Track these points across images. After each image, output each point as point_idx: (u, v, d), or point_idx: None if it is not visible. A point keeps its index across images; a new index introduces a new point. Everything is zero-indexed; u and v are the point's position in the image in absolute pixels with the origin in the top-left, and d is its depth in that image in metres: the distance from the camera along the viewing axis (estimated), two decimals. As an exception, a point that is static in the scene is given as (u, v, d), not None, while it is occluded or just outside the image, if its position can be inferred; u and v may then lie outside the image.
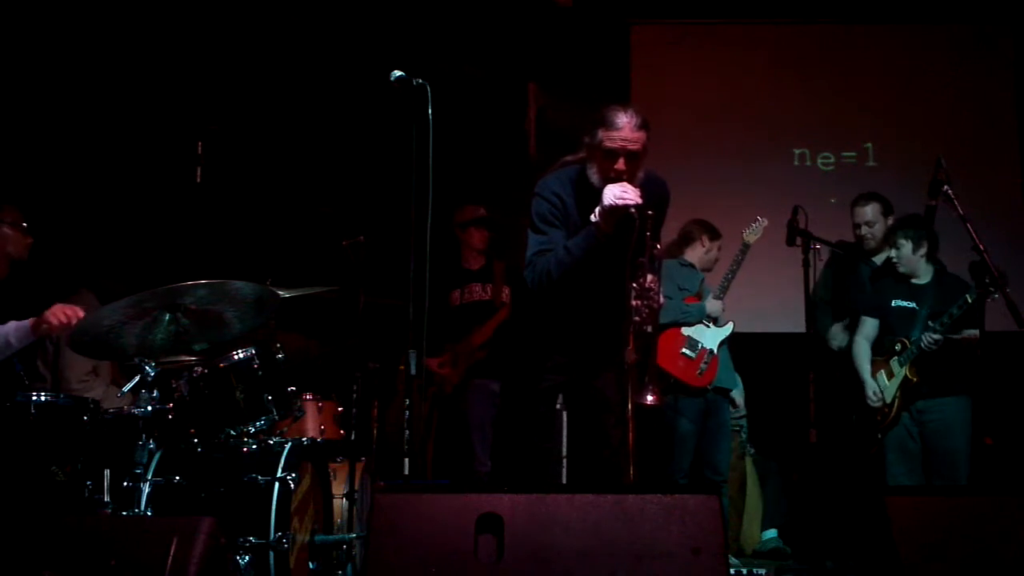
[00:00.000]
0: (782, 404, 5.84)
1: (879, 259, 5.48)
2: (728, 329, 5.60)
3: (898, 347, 5.13)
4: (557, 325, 3.94)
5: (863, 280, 5.47)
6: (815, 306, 5.44)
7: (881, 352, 5.21)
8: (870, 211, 5.49)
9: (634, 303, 3.63)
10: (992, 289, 4.53)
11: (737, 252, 5.62)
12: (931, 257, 5.21)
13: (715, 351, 5.55)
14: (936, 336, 4.96)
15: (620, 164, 3.72)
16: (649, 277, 3.66)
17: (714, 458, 5.57)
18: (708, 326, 5.56)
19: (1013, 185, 6.96)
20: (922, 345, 5.00)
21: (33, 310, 4.51)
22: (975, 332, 4.98)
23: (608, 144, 3.72)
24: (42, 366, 5.05)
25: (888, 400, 5.11)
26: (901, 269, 5.22)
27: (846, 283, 5.54)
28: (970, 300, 4.82)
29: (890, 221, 5.46)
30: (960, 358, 5.02)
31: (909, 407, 5.11)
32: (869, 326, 5.28)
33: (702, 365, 5.50)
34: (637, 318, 3.62)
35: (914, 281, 5.21)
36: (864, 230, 5.48)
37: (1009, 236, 6.59)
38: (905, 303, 5.17)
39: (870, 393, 5.16)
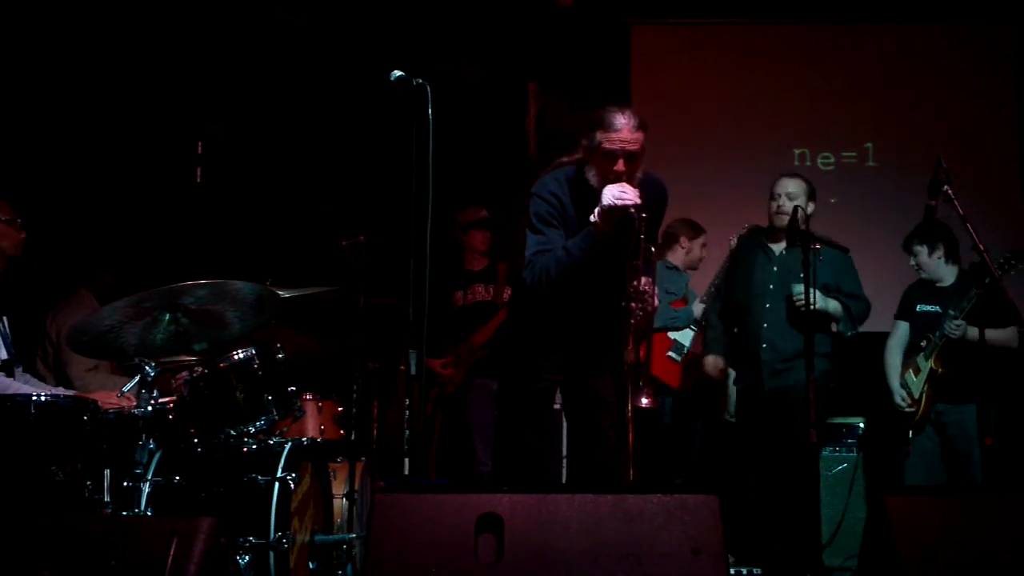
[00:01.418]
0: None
1: (778, 247, 5.15)
2: None
3: (923, 343, 5.18)
4: (554, 325, 3.94)
5: (755, 268, 5.13)
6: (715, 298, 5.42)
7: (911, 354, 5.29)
8: (792, 184, 4.98)
9: (632, 306, 3.64)
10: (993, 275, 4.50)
11: (725, 259, 5.58)
12: (951, 258, 5.25)
13: None
14: (958, 322, 4.98)
15: (620, 166, 3.72)
16: (644, 280, 3.66)
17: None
18: (694, 330, 5.57)
19: (1013, 185, 6.96)
20: (947, 332, 5.02)
21: (33, 309, 4.51)
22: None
23: (607, 146, 3.72)
24: (42, 367, 5.05)
25: (916, 396, 5.17)
26: (922, 275, 5.30)
27: (742, 271, 5.23)
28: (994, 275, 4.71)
29: (811, 208, 5.00)
30: (987, 363, 5.01)
31: (936, 403, 5.16)
32: (900, 330, 5.37)
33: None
34: (632, 320, 3.62)
35: (939, 285, 5.28)
36: (782, 201, 4.92)
37: (1009, 236, 6.58)
38: (929, 307, 5.23)
39: (897, 399, 5.23)
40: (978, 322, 4.89)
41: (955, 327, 5.00)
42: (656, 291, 3.76)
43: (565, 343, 3.95)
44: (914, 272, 5.39)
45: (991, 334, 4.92)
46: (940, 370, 5.09)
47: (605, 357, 3.92)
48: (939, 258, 5.23)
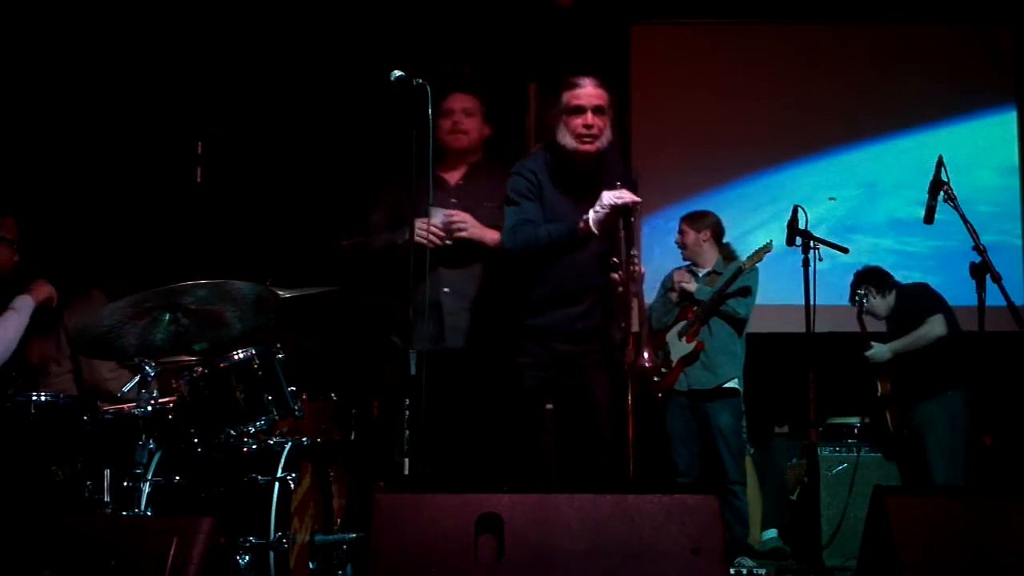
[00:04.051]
0: (782, 404, 5.84)
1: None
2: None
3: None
4: (542, 322, 3.95)
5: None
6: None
7: None
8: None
9: (616, 276, 3.75)
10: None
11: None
12: (885, 289, 5.59)
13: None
14: (872, 351, 5.51)
15: (588, 118, 3.84)
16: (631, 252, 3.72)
17: (715, 461, 5.53)
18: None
19: (1013, 185, 6.96)
20: (874, 360, 5.54)
21: (37, 312, 4.49)
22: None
23: (574, 102, 3.87)
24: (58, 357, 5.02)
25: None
26: (881, 316, 5.66)
27: None
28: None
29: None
30: (932, 361, 5.39)
31: (905, 413, 5.51)
32: None
33: (662, 369, 5.49)
34: (621, 289, 3.70)
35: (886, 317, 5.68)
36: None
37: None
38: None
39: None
40: (898, 331, 5.43)
41: (878, 354, 5.47)
42: (640, 257, 3.79)
43: (552, 340, 3.95)
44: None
45: (920, 332, 5.36)
46: (889, 392, 5.49)
47: (598, 356, 3.93)
48: (877, 296, 5.58)
